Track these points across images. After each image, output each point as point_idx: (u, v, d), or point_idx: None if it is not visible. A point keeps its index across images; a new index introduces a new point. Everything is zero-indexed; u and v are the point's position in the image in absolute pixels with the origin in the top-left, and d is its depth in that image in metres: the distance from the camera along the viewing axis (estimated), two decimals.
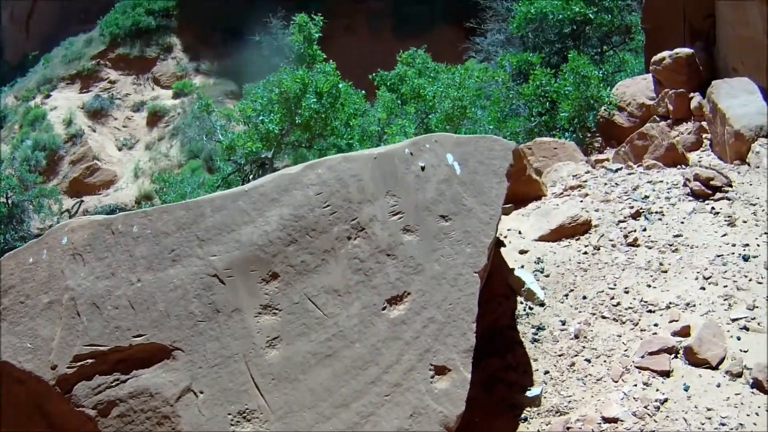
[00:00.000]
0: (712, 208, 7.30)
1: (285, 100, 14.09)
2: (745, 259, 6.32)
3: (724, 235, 6.79)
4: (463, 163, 5.57)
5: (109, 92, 40.64)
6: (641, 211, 7.44)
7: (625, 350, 5.67)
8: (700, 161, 10.08)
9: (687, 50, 13.39)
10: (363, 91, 16.27)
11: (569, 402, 5.46)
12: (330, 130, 14.62)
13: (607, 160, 10.78)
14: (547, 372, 5.75)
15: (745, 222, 6.96)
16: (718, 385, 5.10)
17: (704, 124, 11.41)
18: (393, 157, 5.53)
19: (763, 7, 10.21)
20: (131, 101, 40.81)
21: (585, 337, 5.91)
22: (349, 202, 5.34)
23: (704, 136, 11.21)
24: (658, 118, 12.90)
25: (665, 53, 13.45)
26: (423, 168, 5.50)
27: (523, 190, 8.22)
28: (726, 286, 6.05)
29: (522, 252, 7.18)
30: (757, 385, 5.01)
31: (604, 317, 6.10)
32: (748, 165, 9.05)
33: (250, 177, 15.06)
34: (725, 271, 6.22)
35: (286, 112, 14.17)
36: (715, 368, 5.26)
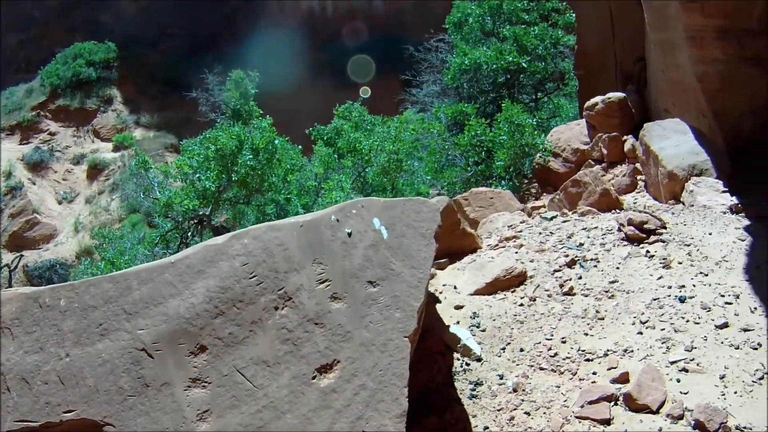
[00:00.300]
0: (647, 251, 7.37)
1: (221, 156, 14.04)
2: (682, 300, 6.37)
3: (660, 278, 6.84)
4: (391, 227, 5.56)
5: (49, 144, 40.06)
6: (576, 259, 7.49)
7: (565, 401, 5.64)
8: (635, 203, 10.20)
9: (619, 94, 13.60)
10: (299, 146, 16.29)
11: None
12: (267, 186, 14.58)
13: (544, 207, 10.86)
14: (486, 428, 5.69)
15: (680, 263, 7.02)
16: (660, 430, 5.07)
17: (638, 165, 11.58)
18: (319, 224, 5.50)
19: (692, 50, 10.42)
20: (71, 154, 40.28)
21: (523, 390, 5.88)
22: (276, 271, 5.28)
23: (639, 177, 11.36)
24: (593, 162, 13.06)
25: (597, 98, 13.65)
26: (350, 234, 5.48)
27: (458, 244, 8.23)
28: (663, 329, 6.08)
29: (458, 307, 7.14)
30: (698, 426, 5.00)
31: (542, 368, 6.08)
32: (683, 204, 9.18)
33: (189, 234, 14.97)
34: (662, 314, 6.26)
35: (222, 169, 14.12)
36: (656, 412, 5.24)
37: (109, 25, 45.44)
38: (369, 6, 45.62)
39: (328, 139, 17.72)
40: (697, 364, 5.57)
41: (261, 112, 16.54)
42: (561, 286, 7.08)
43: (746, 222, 8.00)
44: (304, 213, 14.46)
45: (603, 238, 7.87)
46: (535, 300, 7.00)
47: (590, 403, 5.46)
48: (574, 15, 18.47)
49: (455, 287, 7.56)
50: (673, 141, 10.49)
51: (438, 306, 7.11)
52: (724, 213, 8.38)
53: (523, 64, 18.44)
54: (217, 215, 15.58)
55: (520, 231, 8.78)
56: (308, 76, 43.32)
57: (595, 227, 8.24)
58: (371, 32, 44.55)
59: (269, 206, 14.97)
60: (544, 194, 13.47)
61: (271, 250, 5.35)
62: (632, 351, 5.92)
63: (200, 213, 14.63)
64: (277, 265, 5.31)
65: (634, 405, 5.33)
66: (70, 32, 44.71)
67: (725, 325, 5.94)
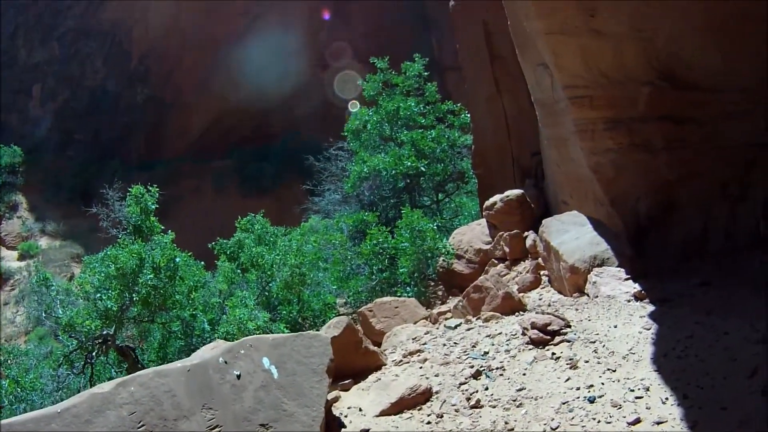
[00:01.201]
0: (553, 353, 7.29)
1: (122, 275, 13.80)
2: (591, 400, 6.27)
3: (568, 379, 6.75)
4: (281, 365, 5.44)
5: None
6: (482, 369, 7.36)
7: None
8: (540, 299, 10.21)
9: (517, 192, 13.78)
10: (202, 262, 16.09)
11: None
12: (171, 304, 14.35)
13: (450, 311, 10.81)
14: None
15: (587, 362, 6.96)
16: None
17: (541, 261, 11.64)
18: (207, 367, 5.35)
19: (584, 143, 10.65)
20: None
21: None
22: (165, 420, 5.09)
23: (542, 273, 11.43)
24: (496, 261, 13.13)
25: (496, 198, 13.81)
26: (239, 376, 5.34)
27: (361, 363, 8.06)
28: None
29: (364, 431, 6.97)
30: None
31: None
32: (588, 296, 9.22)
33: (94, 354, 14.56)
34: (572, 418, 6.14)
35: (124, 288, 13.88)
36: None
37: (16, 128, 44.90)
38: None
39: (231, 253, 17.56)
40: None
41: (162, 228, 16.31)
42: (468, 399, 6.93)
43: (651, 308, 8.05)
44: (210, 329, 14.26)
45: (508, 344, 7.79)
46: (442, 416, 6.82)
47: None
48: (469, 116, 18.77)
49: (360, 409, 7.34)
50: (572, 234, 10.61)
51: (343, 431, 6.92)
52: (629, 301, 8.43)
53: (422, 168, 18.60)
54: (123, 332, 15.19)
55: (425, 343, 8.65)
56: (213, 184, 43.36)
57: (500, 333, 8.16)
58: (274, 139, 45.08)
59: (175, 323, 14.72)
60: (450, 297, 13.45)
61: (158, 398, 5.17)
62: None
63: (104, 332, 14.27)
64: (166, 413, 5.12)
65: None
66: None
67: (637, 421, 5.84)
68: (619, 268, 9.44)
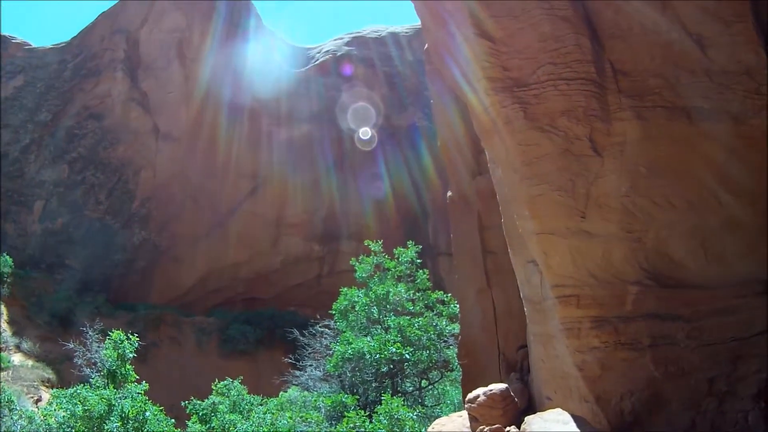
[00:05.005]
0: None
1: (88, 418, 13.48)
2: None
3: None
4: None
5: None
6: None
7: None
8: None
9: (501, 386, 13.62)
10: (173, 420, 15.69)
11: None
12: None
13: None
14: None
15: None
16: None
17: None
18: None
19: (570, 341, 10.68)
20: None
21: None
22: None
23: None
24: None
25: (479, 391, 13.64)
26: None
27: None
28: None
29: None
30: None
31: None
32: None
33: None
34: None
35: (87, 431, 13.53)
36: None
37: (11, 238, 44.43)
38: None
39: (204, 416, 17.16)
40: None
41: (137, 377, 16.11)
42: None
43: None
44: None
45: None
46: None
47: None
48: (458, 306, 18.85)
49: None
50: None
51: None
52: None
53: (407, 356, 18.44)
54: None
55: None
56: (194, 338, 42.86)
57: None
58: (261, 304, 45.15)
59: None
60: None
61: None
62: None
63: None
64: None
65: None
66: None
67: None
68: None
